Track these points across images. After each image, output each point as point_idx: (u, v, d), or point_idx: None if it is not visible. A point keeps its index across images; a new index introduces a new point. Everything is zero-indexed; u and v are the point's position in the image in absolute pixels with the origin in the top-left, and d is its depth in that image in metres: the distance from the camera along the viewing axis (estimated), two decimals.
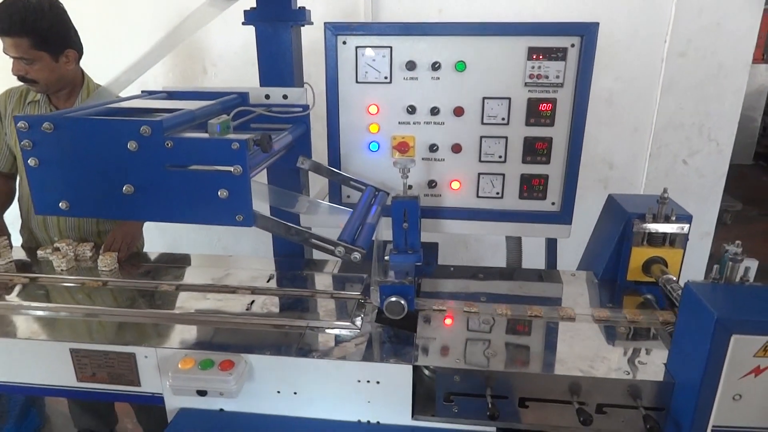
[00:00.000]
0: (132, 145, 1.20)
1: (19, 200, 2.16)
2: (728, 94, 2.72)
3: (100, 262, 1.80)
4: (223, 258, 2.02)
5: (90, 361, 1.44)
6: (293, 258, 2.01)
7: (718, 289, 1.21)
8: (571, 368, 1.30)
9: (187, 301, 1.64)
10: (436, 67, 1.71)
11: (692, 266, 3.01)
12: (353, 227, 1.40)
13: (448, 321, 1.51)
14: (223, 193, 1.22)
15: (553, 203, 1.83)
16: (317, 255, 2.12)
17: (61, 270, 1.80)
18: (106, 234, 2.05)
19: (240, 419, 1.41)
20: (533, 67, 1.68)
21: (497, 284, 1.75)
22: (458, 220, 1.88)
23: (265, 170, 1.95)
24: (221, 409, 1.44)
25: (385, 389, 1.35)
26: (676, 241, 1.64)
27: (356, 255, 1.28)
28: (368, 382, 1.35)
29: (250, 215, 1.25)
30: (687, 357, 1.20)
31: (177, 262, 1.95)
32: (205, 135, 1.25)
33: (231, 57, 3.02)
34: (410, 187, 1.75)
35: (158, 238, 3.40)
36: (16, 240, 2.16)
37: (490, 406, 1.27)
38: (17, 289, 1.72)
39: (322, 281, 1.78)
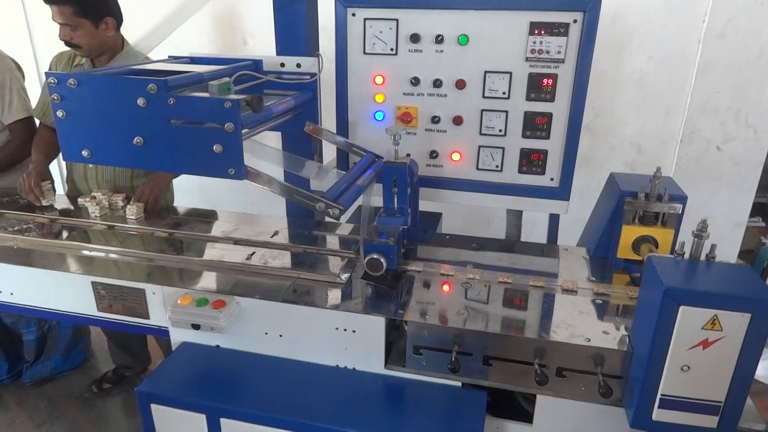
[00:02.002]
0: (141, 101, 1.35)
1: None
2: None
3: (128, 210, 2.00)
4: (241, 215, 2.16)
5: (108, 294, 1.64)
6: (304, 218, 2.13)
7: (680, 263, 1.22)
8: (533, 332, 1.36)
9: (195, 249, 1.80)
10: (439, 40, 1.76)
11: (722, 258, 2.93)
12: (340, 187, 1.50)
13: (430, 282, 1.60)
14: (218, 148, 1.35)
15: (551, 179, 1.86)
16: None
17: (95, 216, 2.01)
18: (138, 187, 2.25)
19: (232, 355, 1.56)
20: (535, 42, 1.71)
21: (488, 254, 1.80)
22: (458, 191, 1.94)
23: (280, 137, 2.08)
24: (217, 345, 1.59)
25: (361, 338, 1.46)
26: (668, 222, 1.64)
27: (335, 211, 1.38)
28: (345, 330, 1.46)
29: (242, 169, 1.37)
30: (643, 328, 1.23)
31: (200, 216, 2.13)
32: (206, 95, 1.38)
33: (269, 28, 3.14)
34: (408, 155, 1.84)
35: (197, 197, 3.64)
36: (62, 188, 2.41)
37: (452, 359, 1.36)
38: (55, 229, 1.95)
39: (323, 240, 1.90)
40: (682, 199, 1.63)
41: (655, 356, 1.17)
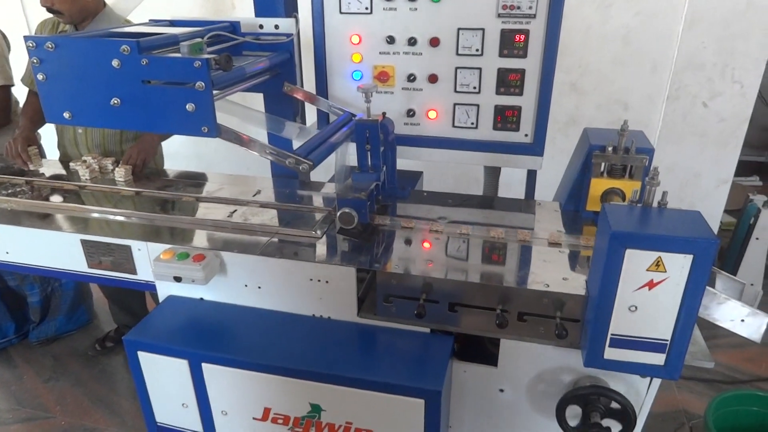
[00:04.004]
0: (115, 63, 1.39)
1: None
2: (756, 31, 2.58)
3: (116, 173, 2.07)
4: (228, 176, 2.21)
5: (96, 251, 1.72)
6: (290, 179, 2.18)
7: (632, 210, 1.27)
8: (495, 279, 1.43)
9: (180, 208, 1.87)
10: None
11: (707, 216, 2.96)
12: (312, 144, 1.55)
13: (402, 236, 1.66)
14: (190, 107, 1.40)
15: (526, 135, 1.90)
16: (315, 177, 2.30)
17: (86, 178, 2.08)
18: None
19: (214, 307, 1.65)
20: None
21: (463, 210, 1.85)
22: (435, 148, 1.99)
23: (263, 99, 2.12)
24: (201, 298, 1.68)
25: (333, 288, 1.53)
26: (636, 174, 1.68)
27: (305, 166, 1.44)
28: (319, 281, 1.54)
29: (214, 127, 1.42)
30: (596, 272, 1.29)
31: (188, 178, 2.18)
32: (179, 55, 1.42)
33: None
34: (384, 113, 1.87)
35: (194, 163, 3.72)
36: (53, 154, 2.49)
37: (419, 306, 1.43)
38: (46, 192, 2.02)
39: (304, 198, 1.95)
40: (649, 152, 1.66)
41: (604, 298, 1.23)
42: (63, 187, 2.06)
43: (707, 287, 1.43)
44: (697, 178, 2.90)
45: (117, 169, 2.08)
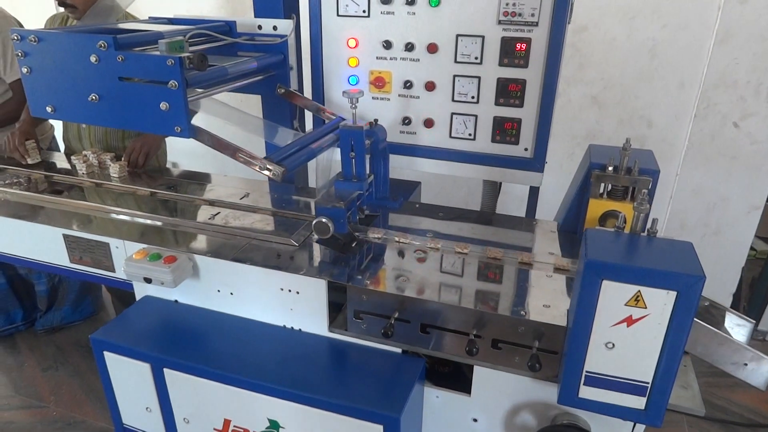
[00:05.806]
0: (93, 58, 1.38)
1: None
2: None
3: (111, 169, 2.06)
4: (224, 178, 2.19)
5: (77, 246, 1.71)
6: (286, 183, 2.13)
7: (618, 237, 1.16)
8: (470, 302, 1.33)
9: (165, 207, 1.85)
10: (410, 1, 1.71)
11: (735, 243, 2.77)
12: (289, 149, 1.49)
13: (382, 249, 1.58)
14: (164, 106, 1.37)
15: (525, 149, 1.79)
16: (313, 182, 2.24)
17: (83, 173, 2.09)
18: None
19: (187, 310, 1.61)
20: (507, 4, 1.63)
21: (452, 224, 1.76)
22: (431, 159, 1.90)
23: (261, 102, 2.08)
24: (175, 300, 1.65)
25: (304, 300, 1.47)
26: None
27: (276, 172, 1.38)
28: (290, 291, 1.48)
29: (187, 128, 1.38)
30: (574, 302, 1.18)
31: (186, 178, 2.17)
32: (157, 52, 1.40)
33: None
34: (376, 121, 1.80)
35: (210, 163, 3.72)
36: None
37: (388, 325, 1.35)
38: (41, 185, 2.04)
39: (296, 203, 1.90)
40: (654, 173, 1.54)
41: (579, 331, 1.13)
42: (59, 181, 2.07)
43: (706, 325, 1.31)
44: (725, 203, 2.71)
45: (111, 165, 2.08)
